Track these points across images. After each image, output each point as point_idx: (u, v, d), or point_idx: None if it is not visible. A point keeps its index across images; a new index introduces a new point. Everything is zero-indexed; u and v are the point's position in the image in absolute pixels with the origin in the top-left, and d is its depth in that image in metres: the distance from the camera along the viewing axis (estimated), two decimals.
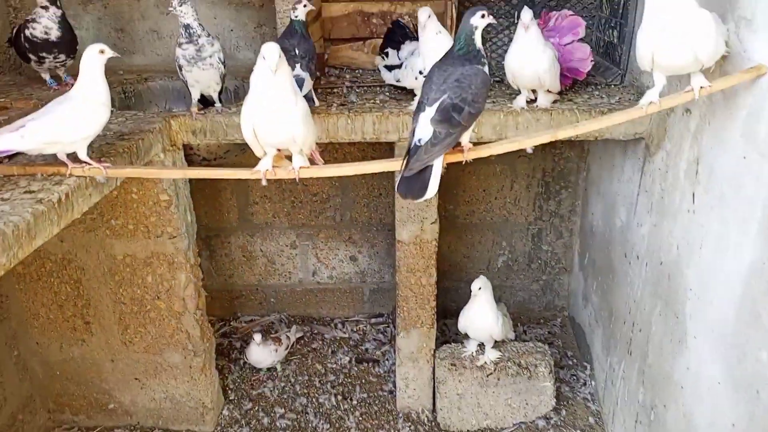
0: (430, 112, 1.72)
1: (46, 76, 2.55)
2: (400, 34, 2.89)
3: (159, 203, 2.64)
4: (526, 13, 2.31)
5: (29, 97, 2.37)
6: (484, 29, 1.82)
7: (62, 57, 2.45)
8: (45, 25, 2.40)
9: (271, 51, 1.70)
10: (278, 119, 1.77)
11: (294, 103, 1.78)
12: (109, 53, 1.89)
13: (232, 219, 3.75)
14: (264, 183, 1.90)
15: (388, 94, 2.83)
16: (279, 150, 1.91)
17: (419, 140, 1.71)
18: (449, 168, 1.93)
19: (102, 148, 2.16)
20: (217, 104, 2.62)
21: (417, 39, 2.82)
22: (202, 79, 2.47)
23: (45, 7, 2.38)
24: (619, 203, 2.91)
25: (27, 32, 2.41)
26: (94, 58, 1.85)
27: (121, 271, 2.81)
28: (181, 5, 2.31)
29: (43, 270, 2.88)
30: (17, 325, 2.99)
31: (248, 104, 1.78)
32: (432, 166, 1.70)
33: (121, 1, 3.26)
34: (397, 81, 2.74)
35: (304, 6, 2.52)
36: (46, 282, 2.89)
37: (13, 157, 1.91)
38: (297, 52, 2.46)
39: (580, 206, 3.67)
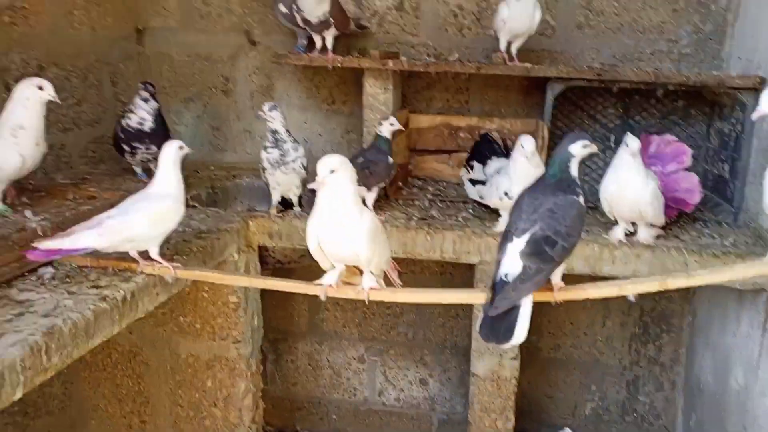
0: (518, 243, 1.54)
1: (138, 169, 2.64)
2: (488, 148, 2.80)
3: (227, 304, 2.57)
4: (634, 142, 2.14)
5: (118, 188, 2.43)
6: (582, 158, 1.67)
7: (153, 149, 2.53)
8: (141, 116, 2.51)
9: (321, 164, 1.60)
10: (341, 235, 1.64)
11: (358, 219, 1.64)
12: (186, 150, 1.89)
13: (301, 324, 3.62)
14: (323, 298, 1.75)
15: (471, 211, 2.70)
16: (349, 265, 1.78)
17: (506, 275, 1.52)
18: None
19: (178, 245, 2.13)
20: (296, 208, 2.59)
21: (505, 156, 2.74)
22: (284, 182, 2.47)
23: (145, 99, 2.50)
24: (734, 361, 2.50)
25: (123, 122, 2.53)
26: (172, 154, 1.85)
27: (182, 371, 2.71)
28: (270, 111, 2.36)
29: (108, 360, 2.83)
30: (77, 414, 2.91)
31: (313, 216, 1.69)
32: (520, 306, 1.50)
33: (220, 101, 3.42)
34: (481, 198, 2.62)
35: (391, 124, 2.51)
36: (110, 373, 2.84)
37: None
38: (370, 166, 2.47)
39: (685, 355, 3.23)
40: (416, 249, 2.44)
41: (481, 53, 3.08)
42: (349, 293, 1.76)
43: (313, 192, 1.67)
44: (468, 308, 3.29)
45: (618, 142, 2.31)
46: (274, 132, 2.39)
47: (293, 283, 1.82)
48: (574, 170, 1.64)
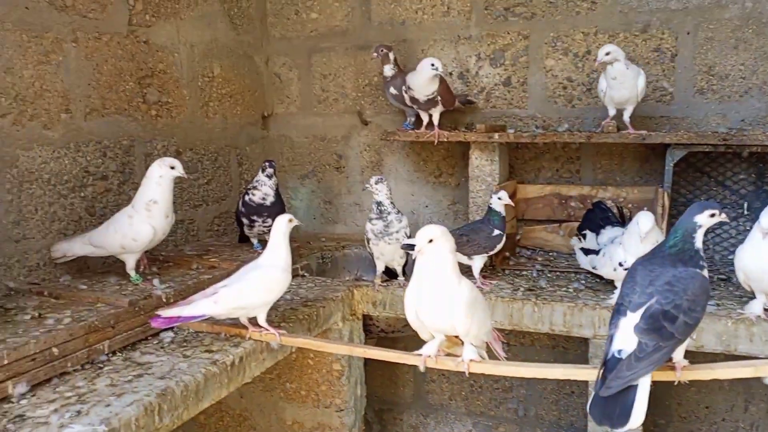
0: (633, 318, 1.43)
1: (254, 240, 2.82)
2: (602, 217, 2.67)
3: (332, 372, 2.60)
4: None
5: (236, 258, 2.60)
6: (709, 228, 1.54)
7: (269, 222, 2.69)
8: (265, 192, 2.70)
9: (421, 234, 1.62)
10: (437, 305, 1.62)
11: (455, 289, 1.62)
12: (296, 222, 1.99)
13: (406, 395, 3.57)
14: (421, 369, 1.73)
15: (583, 282, 2.57)
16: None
17: (619, 351, 1.40)
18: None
19: (285, 313, 2.22)
20: (401, 278, 2.61)
21: (620, 224, 2.60)
22: (387, 252, 2.51)
23: (269, 176, 2.69)
24: None
25: (247, 197, 2.73)
26: (283, 227, 1.96)
27: None
28: (377, 183, 2.44)
29: (221, 424, 2.95)
30: None
31: (411, 286, 1.69)
32: (637, 386, 1.37)
33: (332, 177, 3.62)
34: (593, 268, 2.48)
35: (499, 198, 2.49)
36: None
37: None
38: (469, 234, 2.48)
39: None
40: (523, 321, 2.35)
41: (592, 122, 3.01)
42: (448, 365, 1.72)
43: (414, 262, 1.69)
44: (583, 385, 3.06)
45: (751, 209, 2.11)
46: (379, 204, 2.46)
47: (392, 352, 1.81)
48: (698, 241, 1.52)
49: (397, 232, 2.47)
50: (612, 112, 2.66)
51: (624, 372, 1.36)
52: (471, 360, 1.67)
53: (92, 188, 2.47)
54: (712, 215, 1.52)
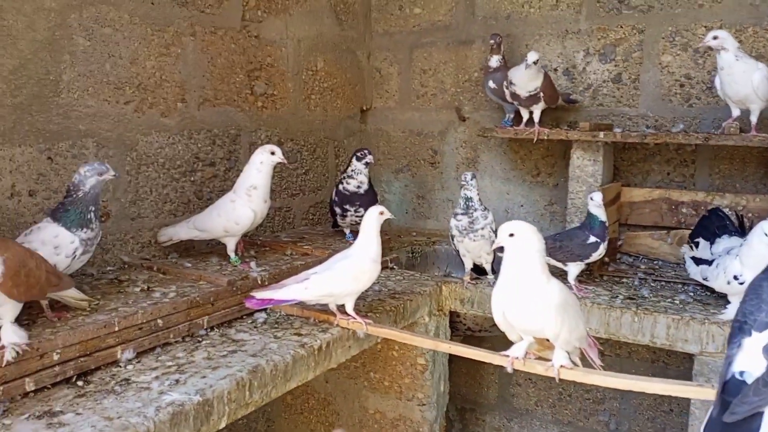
0: (759, 338, 1.29)
1: (347, 231, 2.87)
2: (718, 225, 2.46)
3: (415, 366, 2.60)
4: None
5: (328, 247, 2.67)
6: None
7: (361, 212, 2.72)
8: (360, 180, 2.73)
9: (501, 228, 1.58)
10: (524, 305, 1.58)
11: (543, 289, 1.57)
12: (387, 215, 2.00)
13: (490, 396, 3.50)
14: (509, 370, 1.68)
15: (691, 294, 2.38)
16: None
17: (741, 373, 1.28)
18: None
19: (373, 303, 2.25)
20: (490, 276, 2.56)
21: (739, 234, 2.39)
22: (473, 249, 2.46)
23: (367, 164, 2.72)
24: None
25: (341, 186, 2.78)
26: (374, 219, 1.98)
27: (369, 426, 2.78)
28: (472, 179, 2.39)
29: (306, 405, 3.04)
30: None
31: (498, 285, 1.64)
32: (762, 413, 1.25)
33: (427, 172, 3.61)
34: (704, 279, 2.29)
35: (591, 200, 2.36)
36: (306, 417, 3.04)
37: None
38: (563, 240, 2.39)
39: None
40: (621, 330, 2.22)
41: (711, 124, 2.79)
42: (537, 369, 1.66)
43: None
44: (684, 403, 2.85)
45: None
46: (468, 199, 2.41)
47: (478, 351, 1.78)
48: None
49: (482, 228, 2.41)
50: (735, 112, 2.44)
51: (751, 397, 1.23)
52: (561, 366, 1.61)
53: (201, 173, 2.63)
54: None
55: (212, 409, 1.52)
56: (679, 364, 2.94)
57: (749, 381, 1.27)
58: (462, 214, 2.42)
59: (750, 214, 2.66)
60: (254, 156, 2.25)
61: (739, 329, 1.36)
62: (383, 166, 3.70)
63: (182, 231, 2.31)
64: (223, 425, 1.57)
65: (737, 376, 1.29)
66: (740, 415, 1.24)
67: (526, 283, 1.57)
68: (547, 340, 1.67)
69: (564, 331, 1.56)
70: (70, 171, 2.09)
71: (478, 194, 2.42)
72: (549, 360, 1.65)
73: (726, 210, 2.57)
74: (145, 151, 2.39)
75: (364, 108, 3.66)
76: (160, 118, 2.44)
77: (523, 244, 1.57)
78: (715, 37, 2.32)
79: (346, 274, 1.90)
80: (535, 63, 2.60)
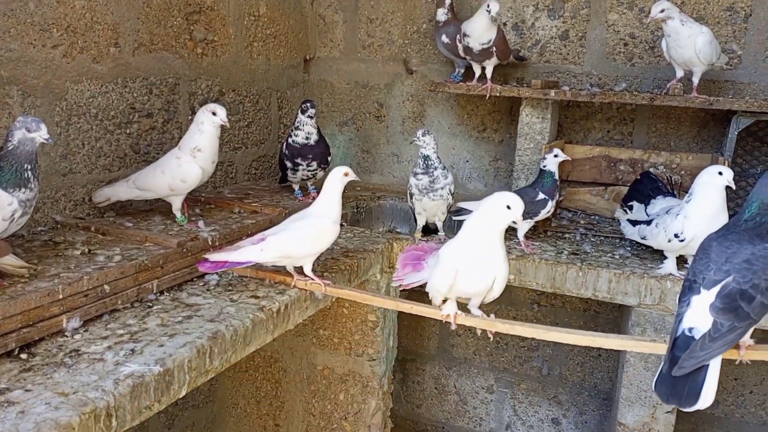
0: (707, 296, 1.38)
1: (296, 187, 2.79)
2: (651, 187, 2.58)
3: (366, 323, 2.61)
4: None
5: (277, 204, 2.58)
6: None
7: (314, 165, 2.66)
8: (308, 131, 2.64)
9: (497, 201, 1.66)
10: (485, 270, 1.69)
11: (499, 255, 1.70)
12: (352, 176, 1.95)
13: (431, 347, 3.60)
14: (453, 327, 1.79)
15: (629, 249, 2.51)
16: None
17: (690, 329, 1.37)
18: None
19: (327, 262, 2.21)
20: (441, 233, 2.57)
21: (671, 195, 2.51)
22: (430, 208, 2.46)
23: (311, 117, 2.64)
24: None
25: (290, 139, 2.68)
26: (337, 180, 1.92)
27: (317, 382, 2.80)
28: (424, 136, 2.36)
29: (251, 363, 3.01)
30: (218, 410, 3.13)
31: (456, 246, 1.73)
32: (708, 366, 1.35)
33: (372, 126, 3.54)
34: (643, 238, 2.41)
35: (555, 156, 2.40)
36: (252, 376, 3.01)
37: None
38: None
39: None
40: (566, 285, 2.32)
41: (651, 83, 2.88)
42: (477, 323, 1.78)
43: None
44: (614, 352, 3.06)
45: None
46: (426, 158, 2.39)
47: (429, 308, 1.83)
48: None
49: (442, 188, 2.41)
50: (679, 73, 2.53)
51: (698, 352, 1.33)
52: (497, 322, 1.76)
53: (137, 125, 2.44)
54: None
55: (173, 379, 1.45)
56: (609, 313, 3.13)
57: (697, 337, 1.36)
58: (422, 173, 2.40)
59: (682, 172, 2.81)
60: (197, 116, 2.12)
61: (688, 288, 1.45)
62: (327, 118, 3.59)
63: (121, 190, 2.16)
64: (183, 394, 1.51)
65: (686, 333, 1.38)
66: (687, 369, 1.34)
67: (487, 248, 1.66)
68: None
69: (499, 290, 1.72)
70: None
71: (435, 152, 2.40)
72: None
73: (660, 168, 2.70)
74: (75, 100, 2.18)
75: (308, 57, 3.51)
76: (92, 64, 2.22)
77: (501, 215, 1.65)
78: (661, 10, 2.40)
79: (306, 235, 1.85)
80: (490, 12, 2.55)
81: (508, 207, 1.60)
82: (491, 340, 1.82)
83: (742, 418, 3.01)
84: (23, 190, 1.58)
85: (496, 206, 1.63)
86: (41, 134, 1.59)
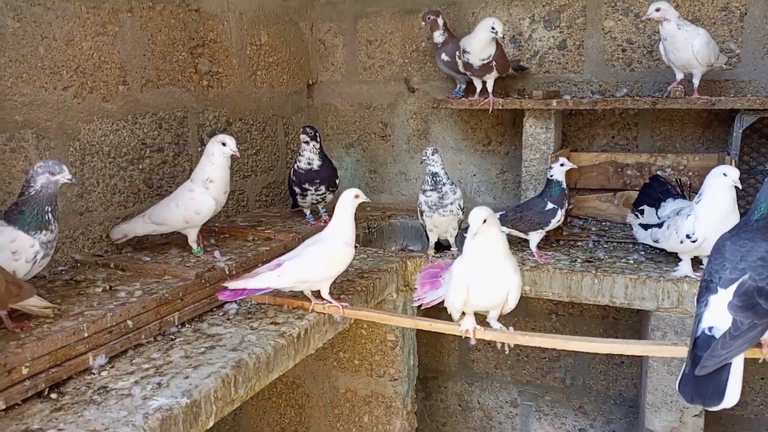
0: (725, 295, 1.39)
1: (307, 211, 2.82)
2: (660, 190, 2.59)
3: (385, 342, 2.61)
4: None
5: (290, 230, 2.61)
6: None
7: (323, 189, 2.70)
8: (308, 157, 2.69)
9: (474, 216, 1.66)
10: (494, 283, 1.72)
11: (507, 268, 1.74)
12: (363, 198, 1.98)
13: (451, 363, 3.59)
14: (473, 342, 1.79)
15: (643, 253, 2.51)
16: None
17: (710, 329, 1.37)
18: None
19: (343, 284, 2.22)
20: (453, 248, 2.59)
21: (681, 196, 2.52)
22: (441, 224, 2.48)
23: (306, 142, 2.68)
24: None
25: (295, 166, 2.73)
26: (348, 202, 1.95)
27: (341, 405, 2.79)
28: (433, 154, 2.39)
29: (273, 390, 3.00)
30: None
31: (463, 264, 1.75)
32: (730, 364, 1.34)
33: (378, 146, 3.57)
34: (655, 241, 2.41)
35: (561, 165, 2.41)
36: (275, 402, 3.01)
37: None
38: (523, 211, 2.46)
39: None
40: (582, 293, 2.31)
41: (652, 87, 2.90)
42: (496, 337, 1.78)
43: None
44: (634, 355, 3.03)
45: None
46: (434, 175, 2.41)
47: (448, 325, 1.84)
48: None
49: (451, 203, 2.43)
50: (679, 76, 2.55)
51: (719, 350, 1.33)
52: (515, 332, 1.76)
53: (149, 160, 2.48)
54: None
55: (200, 410, 1.46)
56: (628, 319, 3.11)
57: (717, 336, 1.36)
58: (431, 190, 2.42)
59: (690, 173, 2.81)
60: (207, 146, 2.17)
61: (705, 288, 1.45)
62: (333, 141, 3.64)
63: (138, 226, 2.19)
64: (210, 425, 1.52)
65: (707, 332, 1.38)
66: (710, 368, 1.34)
67: (496, 262, 1.70)
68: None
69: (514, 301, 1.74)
70: (10, 167, 1.92)
71: (443, 168, 2.42)
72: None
73: (668, 170, 2.71)
74: (88, 139, 2.22)
75: (311, 82, 3.56)
76: (102, 103, 2.27)
77: (492, 227, 1.68)
78: (657, 9, 2.41)
79: (321, 259, 1.87)
80: (496, 34, 2.59)
81: (485, 221, 1.64)
82: (507, 352, 1.81)
83: None
84: (44, 232, 1.61)
85: (473, 222, 1.66)
86: (64, 176, 1.63)
